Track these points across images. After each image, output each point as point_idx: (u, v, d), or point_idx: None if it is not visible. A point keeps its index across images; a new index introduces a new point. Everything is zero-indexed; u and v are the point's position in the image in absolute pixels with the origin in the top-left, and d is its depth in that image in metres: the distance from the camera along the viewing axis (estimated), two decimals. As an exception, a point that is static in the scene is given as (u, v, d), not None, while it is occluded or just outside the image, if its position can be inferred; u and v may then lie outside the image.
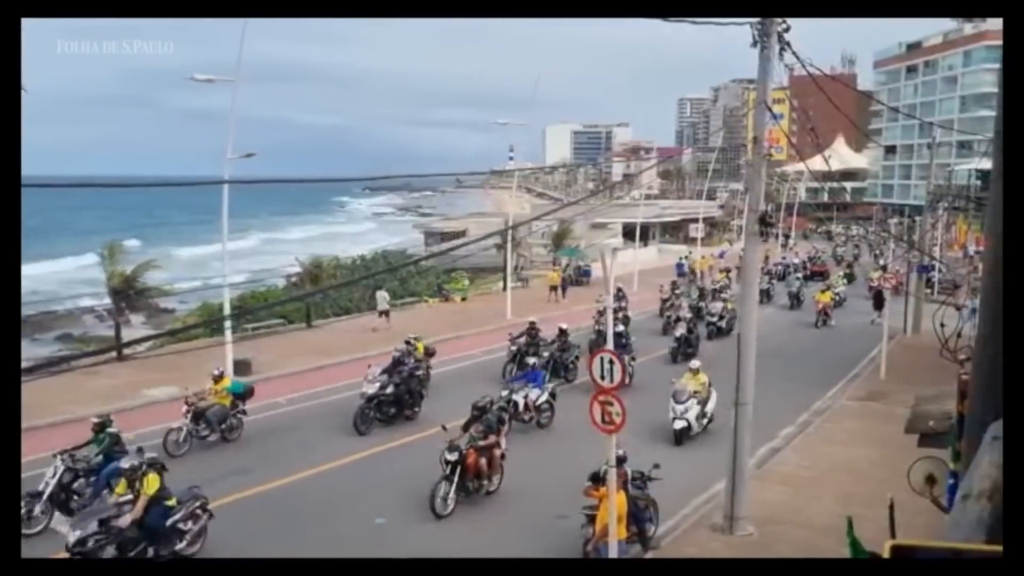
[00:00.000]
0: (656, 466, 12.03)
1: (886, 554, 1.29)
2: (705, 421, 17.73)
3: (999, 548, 1.40)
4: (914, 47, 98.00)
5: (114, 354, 23.68)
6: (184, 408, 16.73)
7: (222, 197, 22.16)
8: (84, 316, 39.79)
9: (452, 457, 13.34)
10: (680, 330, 26.04)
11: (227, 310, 23.19)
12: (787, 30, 12.03)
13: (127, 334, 27.29)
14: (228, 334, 22.78)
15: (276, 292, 39.23)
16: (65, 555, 10.45)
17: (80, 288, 26.30)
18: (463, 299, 38.18)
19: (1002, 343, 1.75)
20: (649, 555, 11.77)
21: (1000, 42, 2.13)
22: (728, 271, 43.05)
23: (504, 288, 35.79)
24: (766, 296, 37.86)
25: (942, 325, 9.44)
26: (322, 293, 33.07)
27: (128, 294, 25.37)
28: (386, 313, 29.59)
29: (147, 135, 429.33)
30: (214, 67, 22.35)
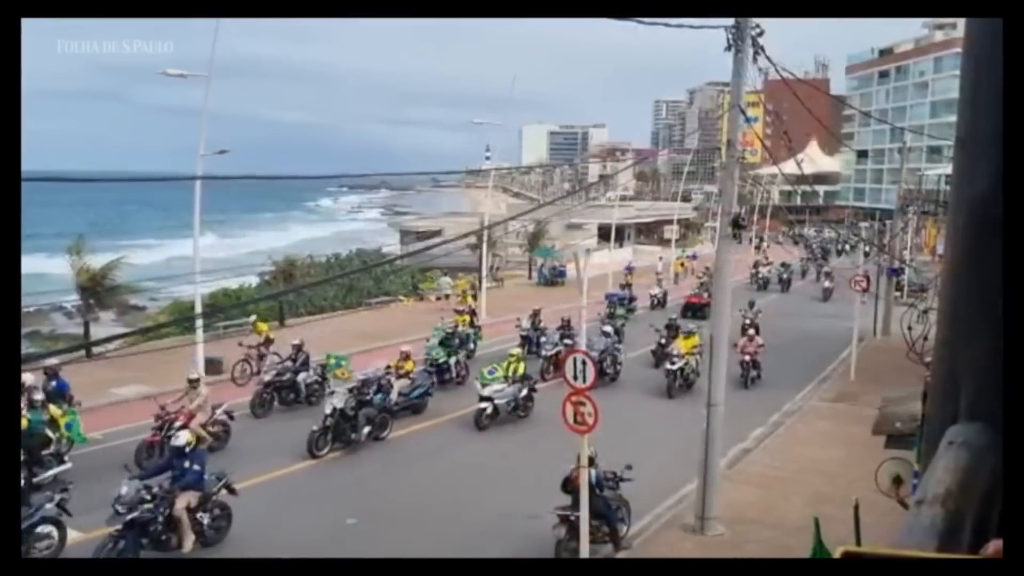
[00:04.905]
0: (628, 467, 12.07)
1: (836, 555, 1.30)
2: None
3: (958, 556, 1.42)
4: (886, 53, 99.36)
5: (83, 352, 23.33)
6: None
7: (194, 193, 21.98)
8: (53, 314, 39.16)
9: None
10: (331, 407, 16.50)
11: (198, 308, 22.97)
12: (761, 34, 12.14)
13: (96, 332, 26.90)
14: (199, 333, 22.58)
15: (248, 290, 38.87)
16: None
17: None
18: (438, 299, 38.09)
19: (987, 341, 1.76)
20: (620, 555, 11.81)
21: (960, 49, 2.15)
22: (472, 313, 28.24)
23: (480, 287, 35.76)
24: (537, 350, 24.30)
25: (909, 328, 9.57)
26: (295, 291, 32.82)
27: (97, 291, 25.00)
28: (447, 297, 34.37)
29: (116, 130, 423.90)
30: (187, 62, 22.13)
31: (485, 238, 36.02)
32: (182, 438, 12.18)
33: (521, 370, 19.46)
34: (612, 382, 22.24)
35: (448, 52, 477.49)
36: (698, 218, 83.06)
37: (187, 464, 11.88)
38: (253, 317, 24.72)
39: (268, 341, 22.66)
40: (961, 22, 2.27)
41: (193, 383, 16.40)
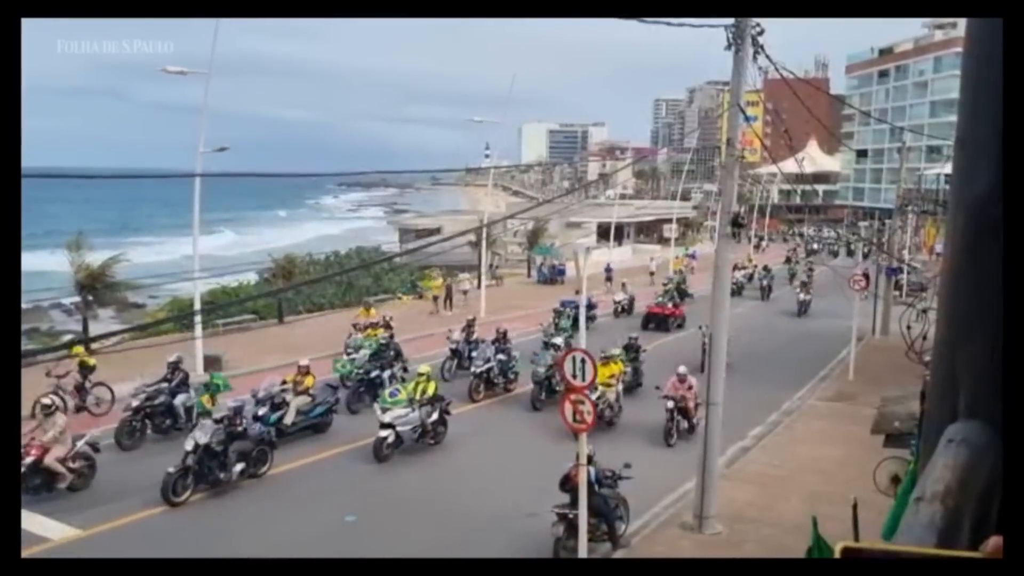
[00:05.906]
0: (627, 465, 12.09)
1: (837, 555, 1.31)
2: None
3: (957, 553, 1.43)
4: (886, 52, 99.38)
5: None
6: None
7: (194, 191, 22.01)
8: (52, 310, 39.20)
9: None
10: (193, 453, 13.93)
11: (197, 305, 23.00)
12: (761, 33, 12.16)
13: (95, 329, 26.96)
14: (198, 329, 22.60)
15: (247, 288, 38.89)
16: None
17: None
18: (435, 298, 38.08)
19: (986, 340, 1.77)
20: (618, 554, 11.82)
21: (960, 49, 2.16)
22: (387, 327, 24.33)
23: (479, 286, 35.80)
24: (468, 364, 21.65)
25: (908, 327, 9.59)
26: (294, 289, 32.85)
27: (95, 288, 25.06)
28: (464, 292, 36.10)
29: (118, 128, 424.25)
30: (187, 60, 22.15)
31: (484, 236, 36.05)
32: None
33: (431, 390, 16.81)
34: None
35: (449, 51, 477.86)
36: (698, 217, 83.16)
37: None
38: (77, 346, 20.04)
39: (86, 368, 18.60)
40: (961, 22, 2.27)
41: (47, 410, 13.58)
